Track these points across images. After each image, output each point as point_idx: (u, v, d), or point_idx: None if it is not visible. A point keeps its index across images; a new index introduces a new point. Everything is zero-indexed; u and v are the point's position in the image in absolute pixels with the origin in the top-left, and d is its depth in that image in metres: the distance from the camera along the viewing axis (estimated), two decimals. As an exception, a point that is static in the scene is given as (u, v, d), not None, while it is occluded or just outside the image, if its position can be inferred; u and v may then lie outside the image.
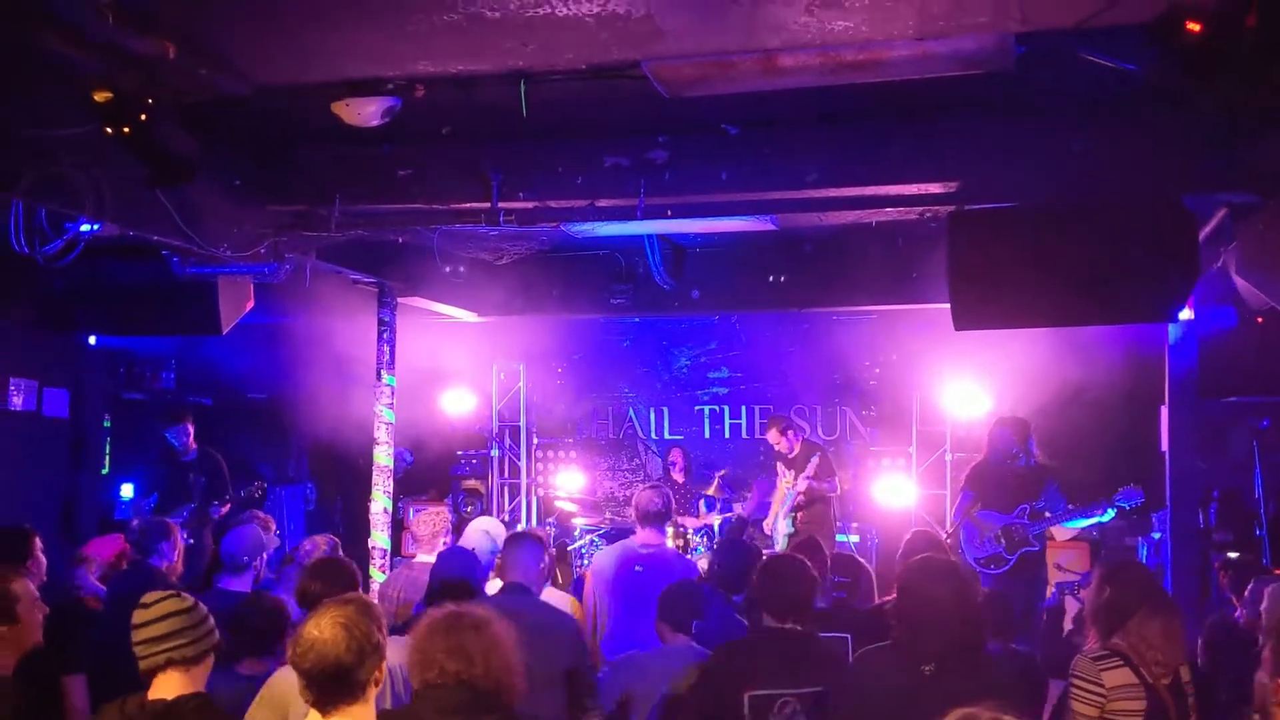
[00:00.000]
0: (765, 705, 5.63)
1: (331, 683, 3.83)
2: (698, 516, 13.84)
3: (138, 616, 4.65)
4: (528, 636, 6.01)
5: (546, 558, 7.12)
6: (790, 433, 13.06)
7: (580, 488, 15.76)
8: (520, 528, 14.57)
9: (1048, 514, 10.08)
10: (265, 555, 8.63)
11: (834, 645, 6.31)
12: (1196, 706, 5.66)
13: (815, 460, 12.62)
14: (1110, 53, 6.07)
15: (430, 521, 9.14)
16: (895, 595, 5.65)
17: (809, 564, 6.24)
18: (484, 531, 8.40)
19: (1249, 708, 5.77)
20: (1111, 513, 10.16)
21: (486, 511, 15.02)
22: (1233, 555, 11.17)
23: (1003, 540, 10.08)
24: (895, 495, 14.33)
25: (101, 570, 9.33)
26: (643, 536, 8.26)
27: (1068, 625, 10.65)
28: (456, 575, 6.97)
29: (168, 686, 4.55)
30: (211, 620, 4.80)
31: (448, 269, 11.29)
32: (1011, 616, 7.39)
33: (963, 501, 10.65)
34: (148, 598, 4.73)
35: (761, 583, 6.11)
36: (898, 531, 13.93)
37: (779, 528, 12.68)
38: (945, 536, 9.85)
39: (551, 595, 8.02)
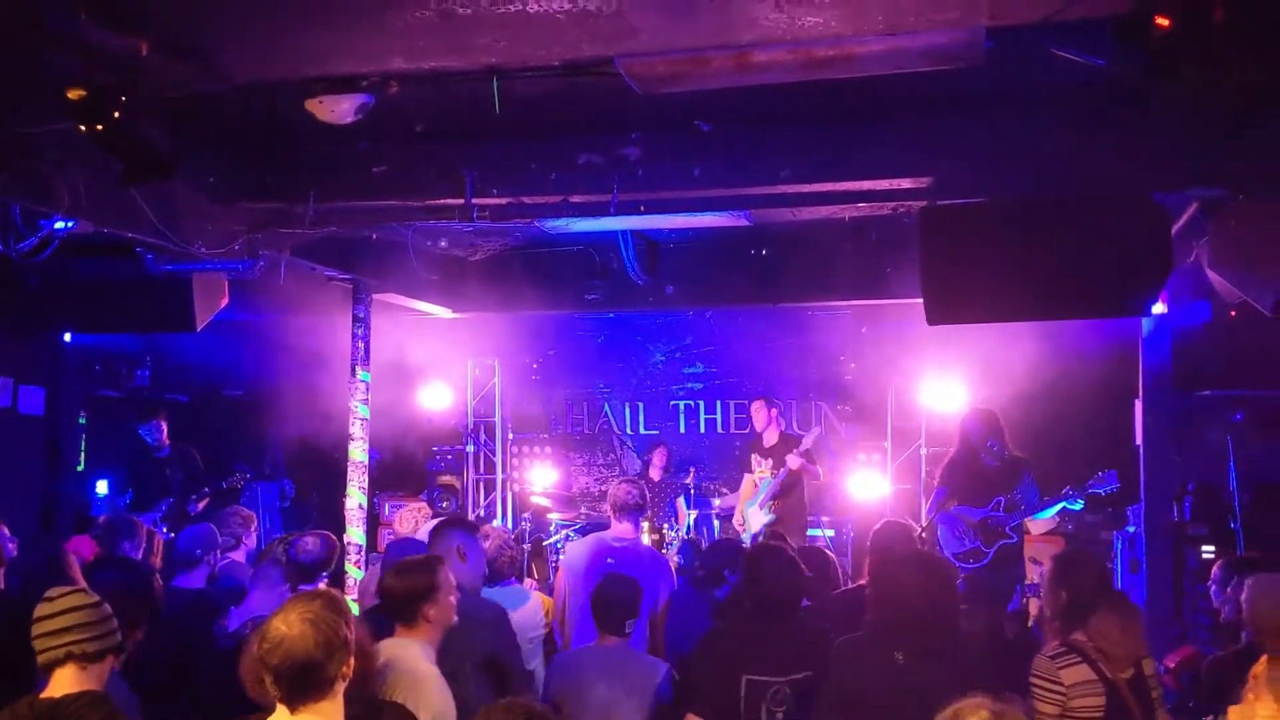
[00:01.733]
0: (760, 690, 5.83)
1: (300, 679, 3.80)
2: (675, 514, 13.84)
3: (40, 610, 4.62)
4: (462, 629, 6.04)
5: (479, 542, 7.06)
6: (775, 412, 13.06)
7: (555, 483, 15.77)
8: (497, 523, 14.57)
9: (1022, 505, 10.07)
10: (218, 551, 8.67)
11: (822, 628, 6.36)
12: (1162, 700, 5.72)
13: (816, 431, 12.67)
14: (1080, 48, 6.11)
15: (411, 518, 9.17)
16: (868, 584, 5.72)
17: (793, 553, 6.44)
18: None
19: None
20: (1079, 504, 10.16)
21: (462, 507, 15.04)
22: (1207, 550, 11.24)
23: (979, 534, 10.09)
24: (870, 489, 14.35)
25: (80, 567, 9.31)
26: (617, 530, 8.27)
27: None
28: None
29: (62, 683, 4.52)
30: (115, 622, 4.77)
31: (421, 269, 11.25)
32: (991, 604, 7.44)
33: (937, 497, 10.63)
34: (52, 592, 4.70)
35: (749, 575, 6.26)
36: (873, 525, 14.01)
37: (757, 517, 12.63)
38: (920, 531, 9.86)
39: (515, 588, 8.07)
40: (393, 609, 5.65)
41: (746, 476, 13.09)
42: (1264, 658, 4.63)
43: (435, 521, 8.63)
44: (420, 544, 7.69)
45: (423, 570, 5.70)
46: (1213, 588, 8.17)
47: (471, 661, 6.17)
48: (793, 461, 12.48)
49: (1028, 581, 11.14)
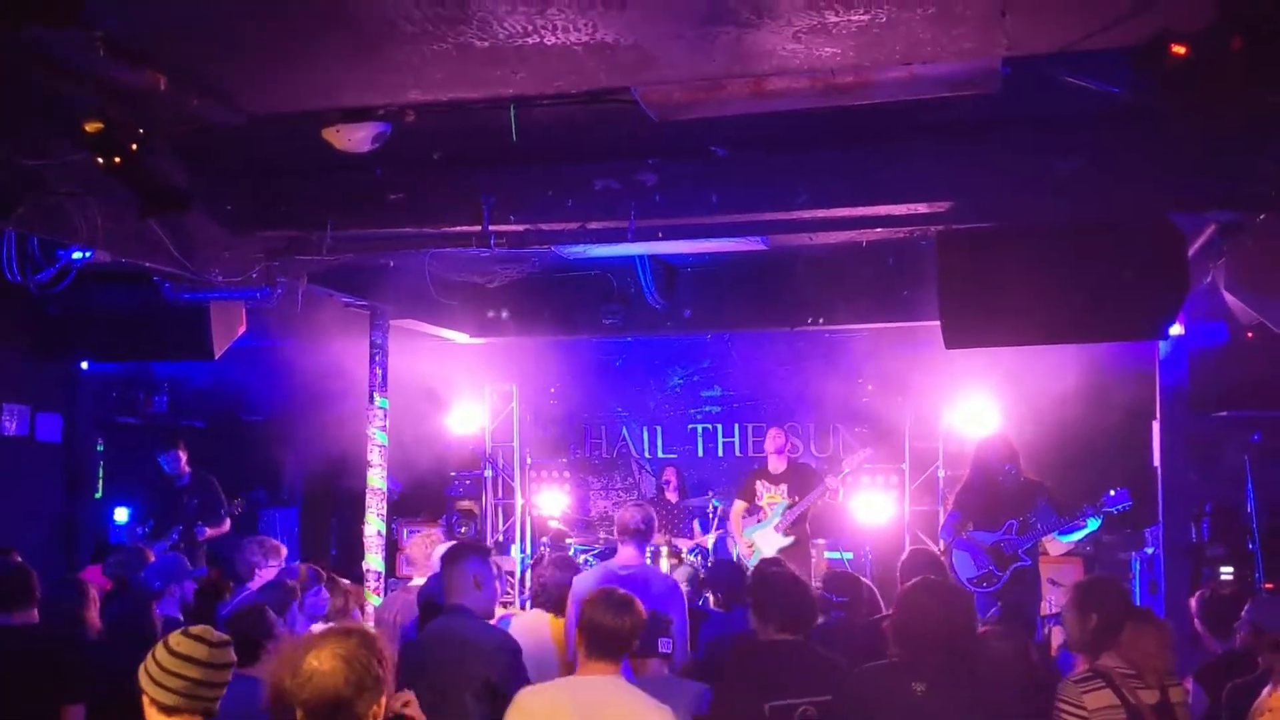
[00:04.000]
0: (786, 714, 5.77)
1: (329, 716, 3.80)
2: (692, 536, 13.82)
3: (196, 650, 4.38)
4: (445, 655, 6.05)
5: (492, 569, 7.02)
6: (790, 443, 13.07)
7: (573, 507, 15.76)
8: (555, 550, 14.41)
9: (1037, 526, 10.05)
10: (188, 581, 8.66)
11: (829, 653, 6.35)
12: None
13: (866, 453, 12.76)
14: (1095, 75, 6.11)
15: (423, 544, 9.15)
16: (891, 615, 5.71)
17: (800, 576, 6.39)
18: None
19: None
20: (1096, 521, 10.11)
21: (481, 532, 15.01)
22: (1226, 571, 11.20)
23: (993, 559, 10.06)
24: (887, 512, 14.32)
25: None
26: (623, 557, 8.24)
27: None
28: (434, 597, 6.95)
29: None
30: None
31: (439, 295, 11.25)
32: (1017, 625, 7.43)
33: (950, 520, 10.62)
34: (209, 634, 4.47)
35: (766, 595, 6.25)
36: (890, 547, 13.96)
37: (772, 540, 12.53)
38: (939, 554, 9.85)
39: (530, 616, 8.04)
40: (612, 646, 5.46)
41: (737, 503, 13.00)
42: (1277, 691, 4.57)
43: (447, 546, 8.61)
44: None
45: (636, 607, 5.59)
46: (1196, 622, 8.07)
47: (471, 689, 6.02)
48: (832, 483, 12.46)
49: (1046, 612, 11.08)
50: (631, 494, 16.21)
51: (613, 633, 5.43)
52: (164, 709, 4.33)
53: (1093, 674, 5.65)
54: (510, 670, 6.36)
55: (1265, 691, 5.09)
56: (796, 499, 12.43)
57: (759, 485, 12.89)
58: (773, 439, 13.00)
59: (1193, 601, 8.05)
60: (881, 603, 8.61)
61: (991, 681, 5.77)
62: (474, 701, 5.99)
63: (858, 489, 14.42)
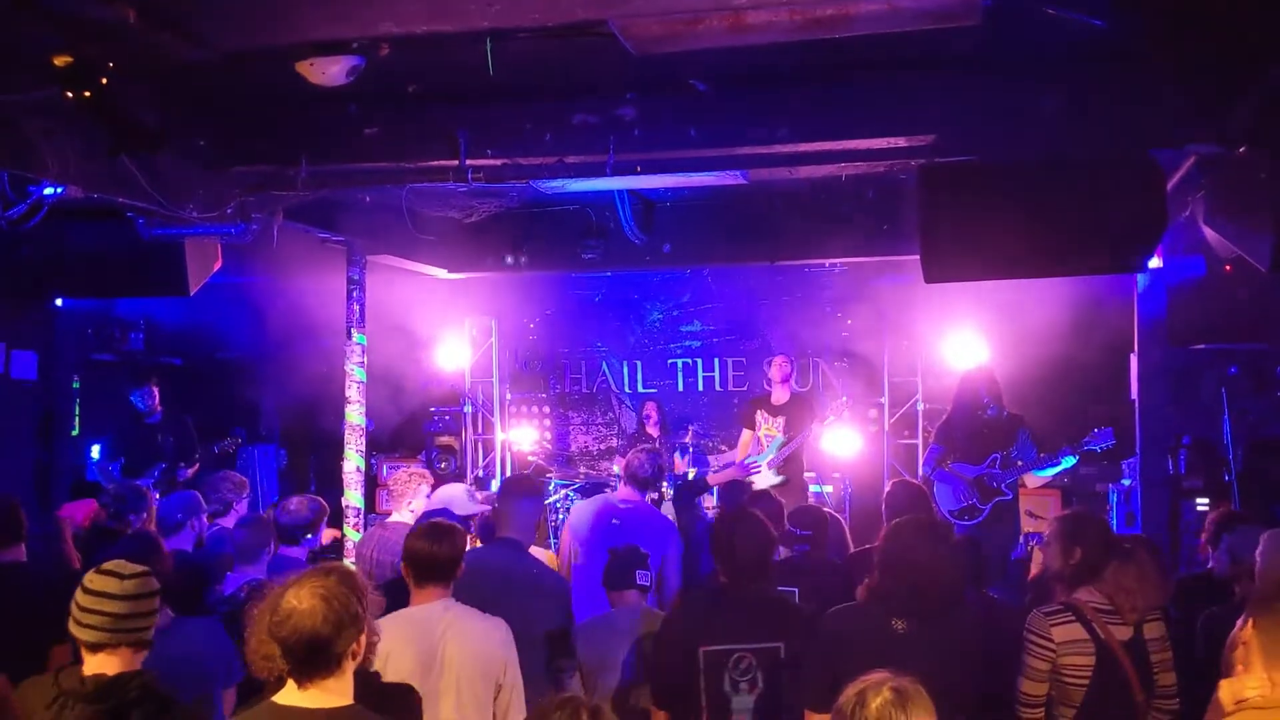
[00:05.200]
0: (720, 660, 5.66)
1: (308, 654, 3.78)
2: (672, 467, 13.82)
3: (109, 584, 4.42)
4: (519, 597, 6.03)
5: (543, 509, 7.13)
6: (794, 375, 12.95)
7: (554, 442, 15.77)
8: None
9: (1019, 462, 10.07)
10: (205, 515, 8.67)
11: (792, 600, 6.36)
12: (1171, 663, 5.71)
13: (845, 403, 12.64)
14: (1077, 8, 6.07)
15: (406, 479, 9.14)
16: (877, 557, 5.65)
17: (765, 520, 6.22)
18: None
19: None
20: (1073, 459, 10.15)
21: (461, 468, 15.01)
22: (1202, 503, 11.27)
23: (975, 492, 10.10)
24: (866, 445, 14.33)
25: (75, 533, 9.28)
26: (623, 493, 8.30)
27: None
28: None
29: (112, 663, 4.37)
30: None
31: (416, 230, 11.19)
32: (986, 562, 7.43)
33: (932, 453, 10.64)
34: (123, 568, 4.51)
35: (716, 541, 6.09)
36: (869, 480, 14.02)
37: (765, 477, 12.52)
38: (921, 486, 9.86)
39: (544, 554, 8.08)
40: (436, 571, 5.66)
41: (746, 432, 12.92)
42: (1250, 622, 4.56)
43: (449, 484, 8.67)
44: (454, 516, 7.68)
45: (455, 536, 5.75)
46: (1203, 540, 8.13)
47: (543, 632, 6.29)
48: (817, 429, 12.36)
49: (1027, 531, 11.13)
50: (612, 429, 16.22)
51: (433, 559, 5.63)
52: (89, 647, 4.39)
53: (1063, 607, 5.66)
54: (571, 614, 6.60)
55: (1239, 622, 5.08)
56: (791, 436, 12.38)
57: (759, 415, 12.78)
58: (779, 367, 12.69)
59: (1209, 521, 8.11)
60: (850, 542, 8.59)
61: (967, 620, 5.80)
62: (540, 646, 6.21)
63: (837, 421, 14.42)
